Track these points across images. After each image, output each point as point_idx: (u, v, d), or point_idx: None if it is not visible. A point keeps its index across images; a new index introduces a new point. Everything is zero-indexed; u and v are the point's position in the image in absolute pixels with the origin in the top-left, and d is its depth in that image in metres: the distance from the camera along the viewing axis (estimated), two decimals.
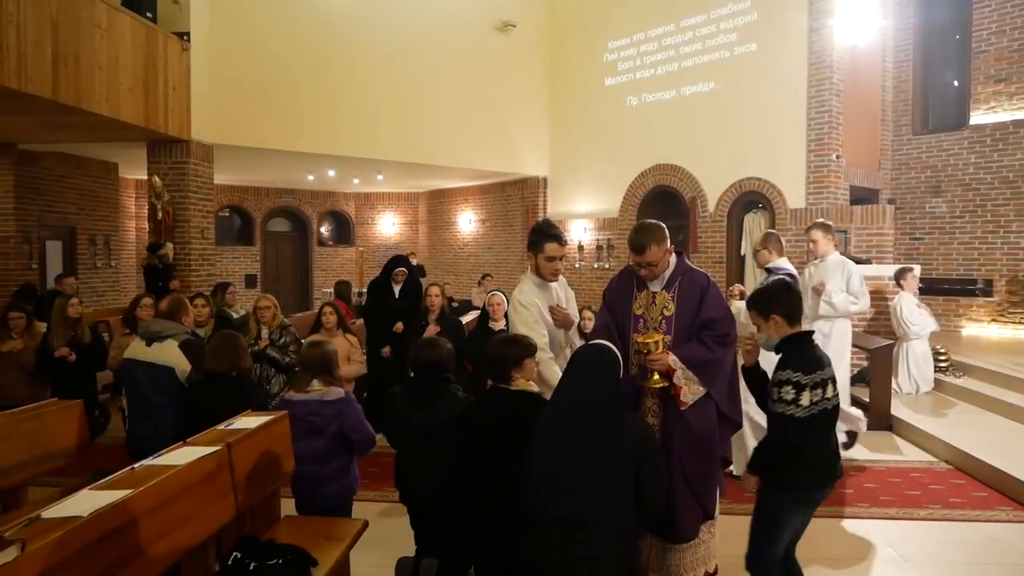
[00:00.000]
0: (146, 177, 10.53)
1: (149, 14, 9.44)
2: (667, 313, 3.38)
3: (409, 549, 3.75)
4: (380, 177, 15.49)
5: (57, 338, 5.97)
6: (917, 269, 8.27)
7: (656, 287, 3.42)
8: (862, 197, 11.43)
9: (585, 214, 14.29)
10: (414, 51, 12.50)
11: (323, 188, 17.70)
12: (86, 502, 2.29)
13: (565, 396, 2.81)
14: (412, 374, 3.73)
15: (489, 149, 13.90)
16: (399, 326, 6.54)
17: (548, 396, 3.36)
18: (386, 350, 6.56)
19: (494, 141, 13.91)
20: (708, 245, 12.04)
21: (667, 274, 3.40)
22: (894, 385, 7.41)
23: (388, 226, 18.79)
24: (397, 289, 6.79)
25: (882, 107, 12.02)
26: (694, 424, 3.26)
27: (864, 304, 6.11)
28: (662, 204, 12.92)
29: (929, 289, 10.37)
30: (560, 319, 3.82)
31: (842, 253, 9.44)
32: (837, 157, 10.66)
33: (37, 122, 9.04)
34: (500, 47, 13.86)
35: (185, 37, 9.94)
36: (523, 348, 3.24)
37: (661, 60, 12.82)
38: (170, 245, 10.15)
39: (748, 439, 5.28)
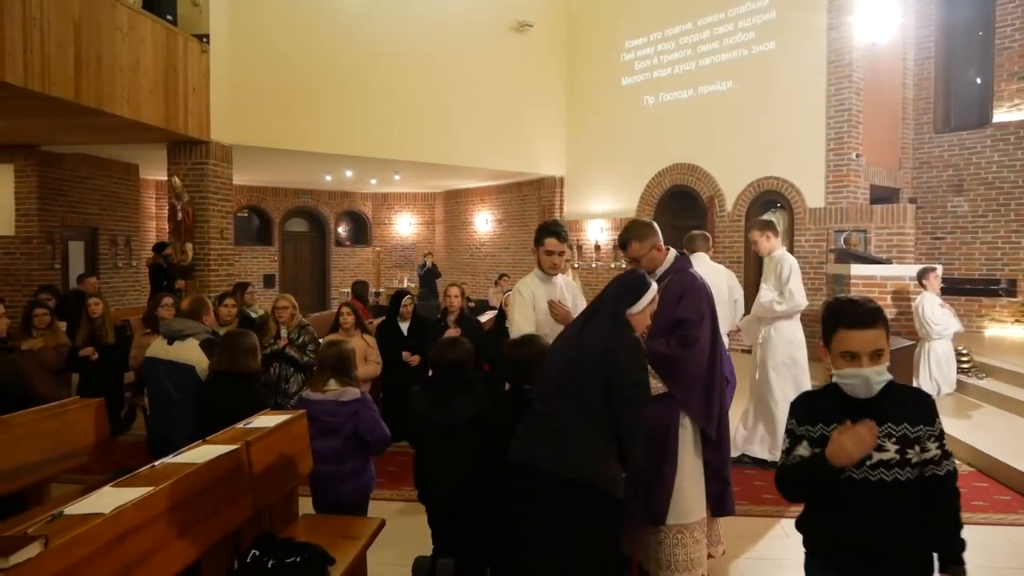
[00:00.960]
0: (166, 178, 10.64)
1: (169, 16, 9.54)
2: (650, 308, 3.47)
3: (426, 548, 3.76)
4: (397, 177, 15.55)
5: (79, 337, 6.09)
6: (940, 269, 8.16)
7: None
8: (882, 196, 11.32)
9: (602, 214, 14.26)
10: (431, 51, 12.53)
11: (340, 188, 17.79)
12: (107, 499, 2.32)
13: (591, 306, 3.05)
14: (432, 373, 3.74)
15: (505, 149, 13.91)
16: (415, 359, 6.22)
17: None
18: (410, 356, 6.26)
19: (511, 141, 13.92)
20: (726, 245, 11.96)
21: (660, 271, 3.55)
22: (915, 386, 7.32)
23: (405, 226, 18.85)
24: (405, 327, 6.45)
25: (903, 105, 11.89)
26: (649, 419, 3.23)
27: (791, 305, 5.40)
28: (679, 204, 12.88)
29: (951, 289, 10.25)
30: (560, 315, 3.86)
31: (862, 253, 9.42)
32: (857, 156, 10.56)
33: (60, 124, 9.16)
34: (516, 47, 13.86)
35: (204, 39, 10.03)
36: (540, 347, 3.24)
37: (678, 59, 12.77)
38: (189, 245, 10.25)
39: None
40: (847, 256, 8.89)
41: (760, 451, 5.62)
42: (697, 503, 3.38)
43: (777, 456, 5.30)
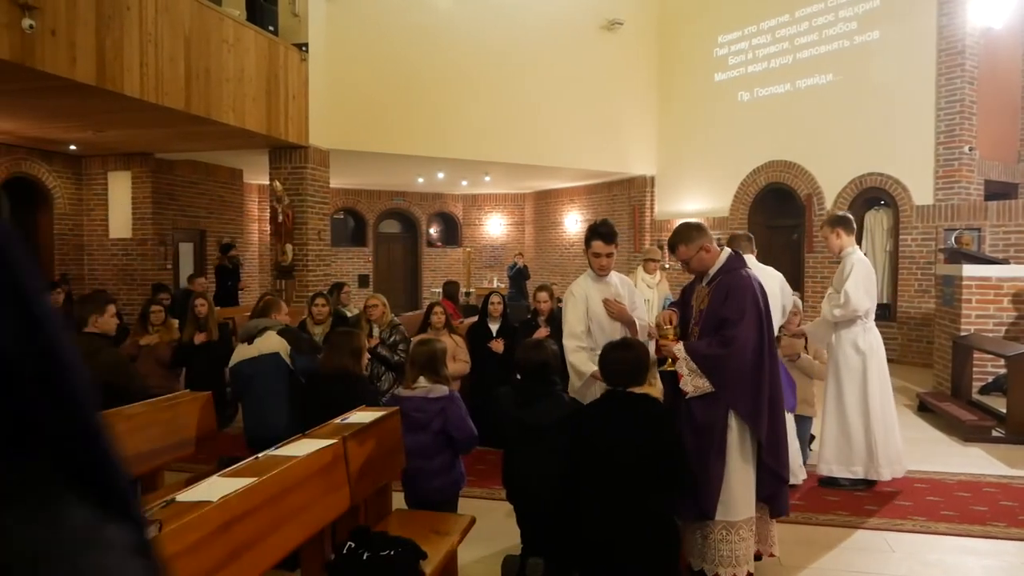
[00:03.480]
0: (268, 182, 11.11)
1: (271, 27, 9.96)
2: (702, 307, 3.66)
3: (516, 547, 3.78)
4: (488, 179, 15.70)
5: (185, 334, 6.44)
6: None
7: (704, 282, 3.72)
8: (998, 192, 10.62)
9: (694, 213, 13.96)
10: (522, 53, 12.60)
11: (432, 190, 18.11)
12: (215, 488, 2.43)
13: None
14: (518, 375, 3.76)
15: (596, 148, 13.82)
16: (499, 345, 6.22)
17: (576, 384, 4.01)
18: (496, 342, 6.27)
19: (601, 140, 13.82)
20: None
21: (712, 271, 3.66)
22: None
23: (495, 227, 19.01)
24: (495, 328, 6.38)
25: (1023, 94, 11.12)
26: (698, 416, 3.44)
27: (850, 308, 4.95)
28: (775, 202, 12.48)
29: None
30: (616, 312, 4.07)
31: (975, 252, 8.86)
32: (970, 149, 9.95)
33: (172, 133, 9.72)
34: (607, 45, 13.76)
35: (304, 48, 10.42)
36: (640, 355, 3.24)
37: (775, 53, 12.38)
38: (289, 247, 10.68)
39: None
40: (958, 256, 8.37)
41: (837, 469, 5.12)
42: (745, 502, 3.44)
43: (856, 472, 5.03)
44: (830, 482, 5.13)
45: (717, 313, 3.53)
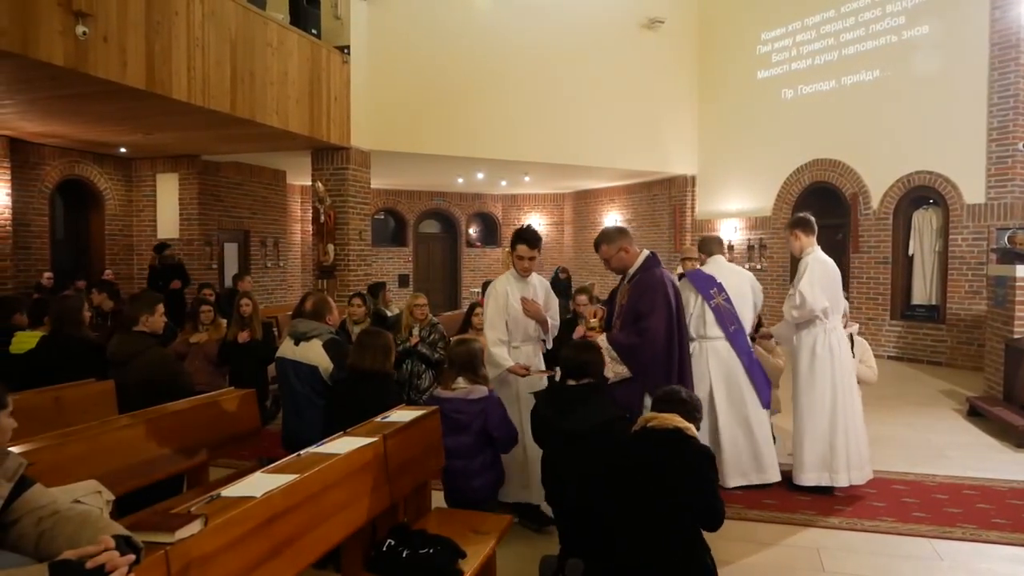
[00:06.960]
0: (310, 183, 11.27)
1: (314, 31, 10.10)
2: (623, 302, 4.14)
3: (554, 547, 3.77)
4: (527, 179, 15.69)
5: (230, 333, 6.58)
6: None
7: (625, 280, 4.19)
8: None
9: (736, 213, 13.80)
10: (561, 52, 12.56)
11: (472, 190, 18.16)
12: (259, 484, 2.48)
13: None
14: (561, 374, 3.76)
15: (636, 148, 13.72)
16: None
17: (491, 375, 4.17)
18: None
19: (641, 140, 13.72)
20: (871, 245, 11.26)
21: (631, 271, 4.15)
22: None
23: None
24: None
25: None
26: (619, 398, 3.78)
27: (806, 307, 4.88)
28: (819, 201, 12.23)
29: None
30: (532, 311, 4.49)
31: None
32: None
33: (217, 135, 9.92)
34: (648, 44, 13.64)
35: (346, 51, 10.55)
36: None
37: (819, 49, 12.15)
38: (331, 247, 10.82)
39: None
40: (1012, 256, 8.11)
41: (803, 477, 4.99)
42: None
43: (810, 480, 4.90)
44: (795, 487, 5.02)
45: (634, 308, 4.01)
